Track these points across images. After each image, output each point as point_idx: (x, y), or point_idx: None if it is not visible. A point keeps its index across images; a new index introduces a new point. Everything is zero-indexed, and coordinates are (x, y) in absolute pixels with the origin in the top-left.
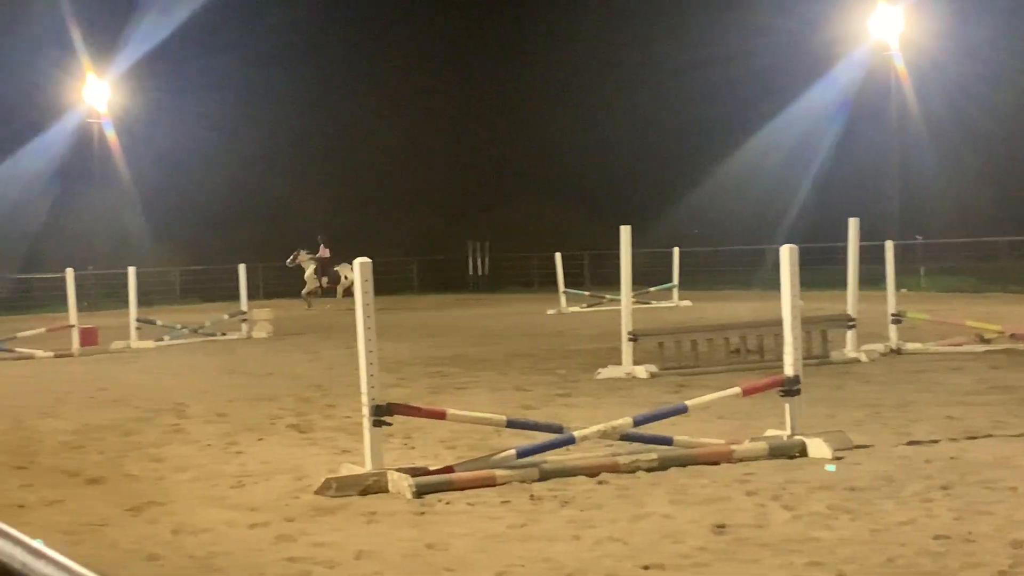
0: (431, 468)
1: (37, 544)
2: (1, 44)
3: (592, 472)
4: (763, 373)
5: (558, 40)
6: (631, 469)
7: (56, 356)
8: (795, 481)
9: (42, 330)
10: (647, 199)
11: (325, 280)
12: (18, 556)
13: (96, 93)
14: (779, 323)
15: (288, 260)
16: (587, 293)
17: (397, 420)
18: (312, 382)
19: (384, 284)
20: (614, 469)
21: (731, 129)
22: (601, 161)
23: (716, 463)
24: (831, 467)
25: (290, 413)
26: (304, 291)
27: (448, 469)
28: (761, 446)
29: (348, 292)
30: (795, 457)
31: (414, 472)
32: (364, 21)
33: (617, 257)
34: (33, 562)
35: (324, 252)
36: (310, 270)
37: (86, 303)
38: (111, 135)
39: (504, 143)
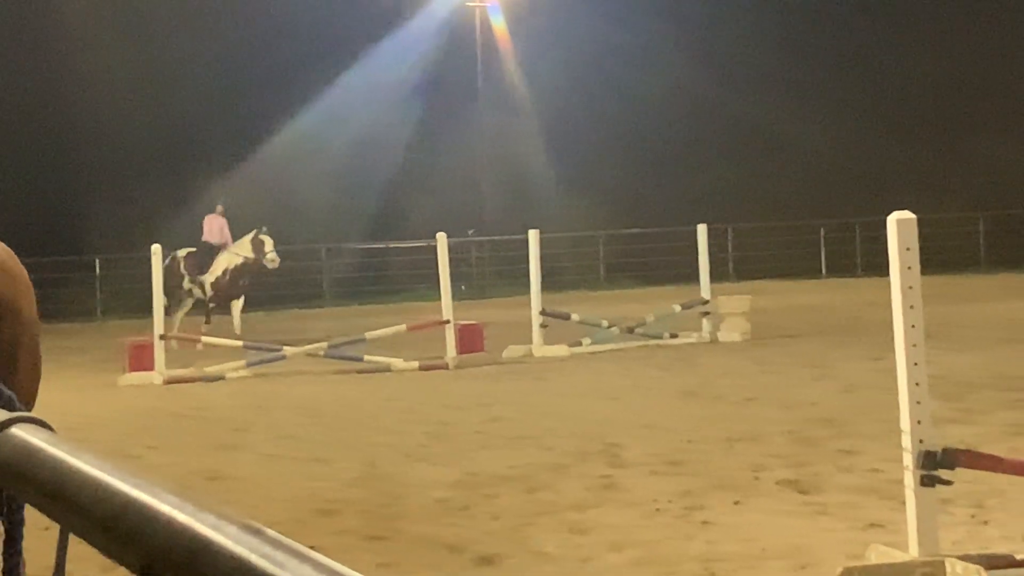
0: (1020, 556)
1: None
2: None
3: None
4: None
5: None
6: None
7: (423, 368)
8: None
9: (402, 327)
10: None
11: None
12: None
13: None
14: None
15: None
16: None
17: (961, 477)
18: (818, 413)
19: (936, 256)
20: None
21: None
22: None
23: None
24: None
25: (784, 462)
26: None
27: None
28: None
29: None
30: None
31: (991, 562)
32: None
33: None
34: None
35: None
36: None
37: (464, 287)
38: (499, 25)
39: None
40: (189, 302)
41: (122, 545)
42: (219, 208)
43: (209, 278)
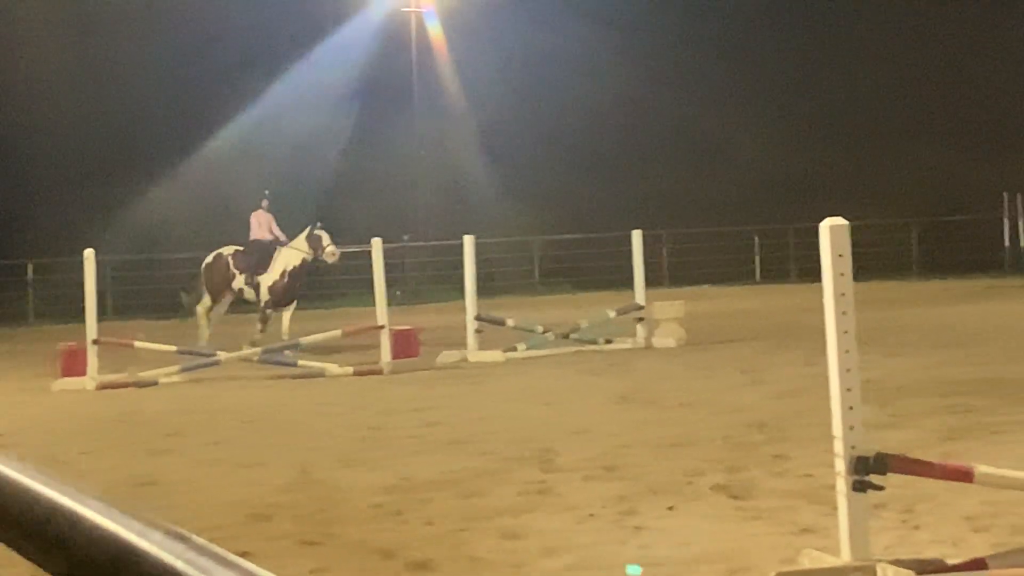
0: (950, 561)
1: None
2: None
3: None
4: None
5: None
6: None
7: (357, 373)
8: None
9: (337, 332)
10: None
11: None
12: None
13: None
14: None
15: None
16: None
17: (892, 482)
18: (752, 418)
19: (870, 262)
20: None
21: None
22: None
23: None
24: None
25: (718, 467)
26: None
27: (978, 563)
28: None
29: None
30: None
31: (922, 567)
32: None
33: None
34: None
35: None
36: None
37: (399, 292)
38: (435, 31)
39: None
40: (228, 301)
41: (47, 552)
42: (264, 203)
43: (267, 280)
